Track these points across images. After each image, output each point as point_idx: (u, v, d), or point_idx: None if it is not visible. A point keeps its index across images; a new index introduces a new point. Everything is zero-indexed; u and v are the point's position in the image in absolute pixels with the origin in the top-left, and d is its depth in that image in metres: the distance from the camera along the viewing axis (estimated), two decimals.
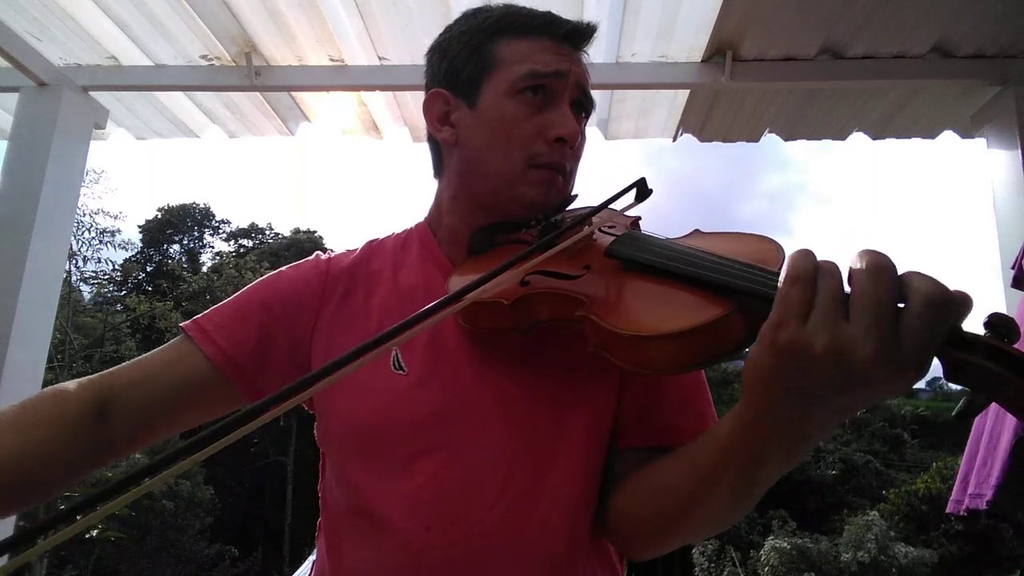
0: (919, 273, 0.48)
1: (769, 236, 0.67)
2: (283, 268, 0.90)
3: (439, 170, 0.92)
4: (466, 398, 0.77)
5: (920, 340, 0.46)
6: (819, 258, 0.52)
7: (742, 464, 0.59)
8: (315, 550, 0.86)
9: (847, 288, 0.49)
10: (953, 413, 0.48)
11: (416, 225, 0.95)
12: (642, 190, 0.80)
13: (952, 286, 0.48)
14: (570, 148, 0.82)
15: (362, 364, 0.51)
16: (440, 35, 0.90)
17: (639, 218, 0.81)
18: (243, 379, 0.80)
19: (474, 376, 0.79)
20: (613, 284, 0.69)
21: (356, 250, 0.92)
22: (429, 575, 0.71)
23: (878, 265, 0.48)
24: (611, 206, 0.81)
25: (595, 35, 0.87)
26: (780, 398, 0.52)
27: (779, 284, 0.51)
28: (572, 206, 0.88)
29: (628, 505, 0.75)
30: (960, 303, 0.47)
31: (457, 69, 0.85)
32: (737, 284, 0.58)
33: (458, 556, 0.71)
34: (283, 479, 19.23)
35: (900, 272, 0.49)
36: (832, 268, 0.51)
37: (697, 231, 0.76)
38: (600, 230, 0.79)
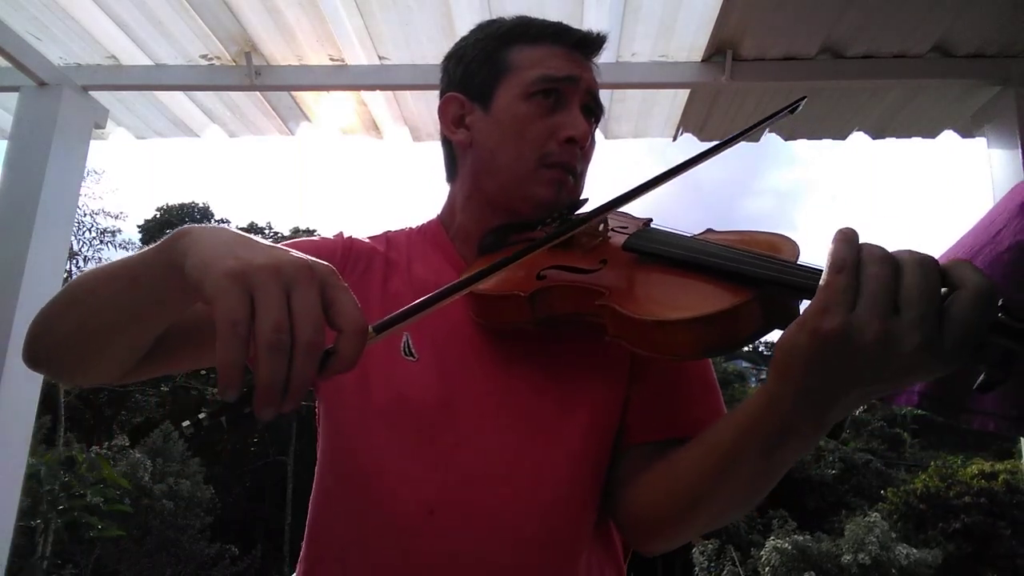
0: (965, 263, 0.49)
1: (781, 233, 0.68)
2: (307, 237, 0.92)
3: (452, 172, 0.95)
4: (473, 388, 0.79)
5: (966, 329, 0.47)
6: (863, 242, 0.52)
7: (763, 444, 0.60)
8: None
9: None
10: (975, 386, 0.50)
11: (429, 222, 0.98)
12: (795, 107, 0.86)
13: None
14: (580, 149, 0.86)
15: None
16: (456, 44, 0.95)
17: (650, 219, 0.83)
18: None
19: (482, 367, 0.81)
20: (632, 276, 0.71)
21: (375, 237, 0.95)
22: (430, 558, 0.73)
23: (924, 257, 0.50)
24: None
25: (605, 45, 0.91)
26: (813, 380, 0.53)
27: (823, 271, 0.52)
28: (582, 209, 0.89)
29: (648, 494, 0.76)
30: (998, 291, 0.48)
31: (472, 74, 0.89)
32: (757, 272, 0.60)
33: (459, 540, 0.73)
34: (283, 479, 19.23)
35: (943, 262, 0.50)
36: (880, 255, 0.51)
37: (710, 230, 0.77)
38: (613, 230, 0.81)
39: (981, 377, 0.50)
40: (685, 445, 0.73)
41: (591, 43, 0.89)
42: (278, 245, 0.53)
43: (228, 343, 0.45)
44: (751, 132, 0.81)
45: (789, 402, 0.56)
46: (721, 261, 0.63)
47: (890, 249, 0.52)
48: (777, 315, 0.61)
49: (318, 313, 0.47)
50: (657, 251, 0.71)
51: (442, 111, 0.92)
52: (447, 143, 0.95)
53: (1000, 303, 0.49)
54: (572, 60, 0.87)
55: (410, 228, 0.98)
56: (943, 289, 0.49)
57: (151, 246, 0.62)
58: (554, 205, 0.86)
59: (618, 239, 0.78)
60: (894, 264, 0.50)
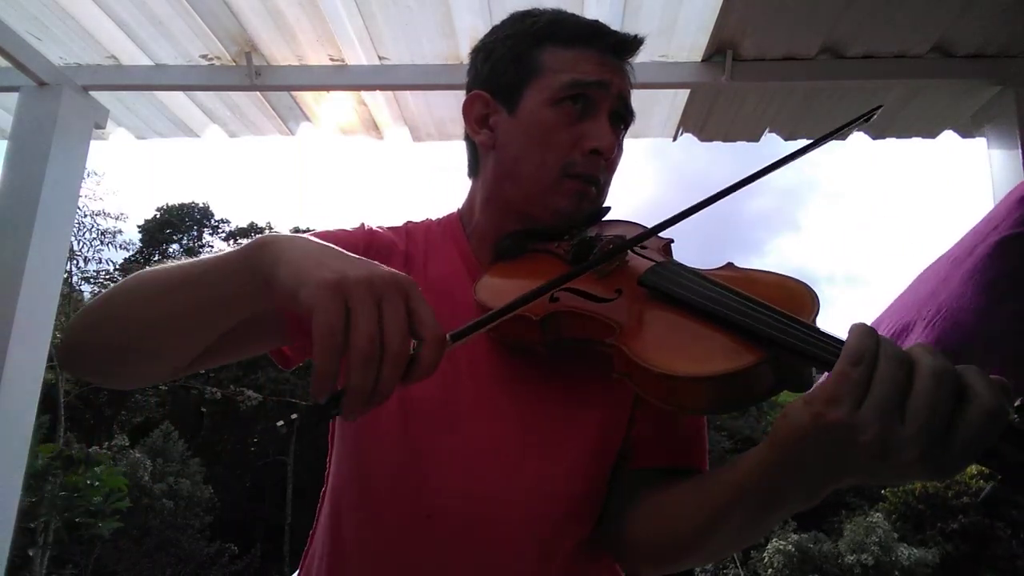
0: (978, 373, 0.48)
1: (804, 280, 0.66)
2: (332, 228, 0.91)
3: (474, 170, 0.93)
4: (479, 393, 0.79)
5: (969, 447, 0.46)
6: (881, 336, 0.51)
7: (756, 503, 0.60)
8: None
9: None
10: (980, 499, 0.48)
11: (448, 216, 0.96)
12: (870, 115, 0.85)
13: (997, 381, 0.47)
14: (605, 160, 0.83)
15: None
16: (485, 36, 0.91)
17: (671, 241, 0.81)
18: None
19: (489, 374, 0.80)
20: (645, 314, 0.68)
21: (395, 229, 0.93)
22: (427, 563, 0.73)
23: (943, 369, 0.47)
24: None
25: (641, 47, 0.88)
26: (808, 459, 0.52)
27: (840, 355, 0.50)
28: (606, 217, 0.88)
29: (642, 530, 0.75)
30: (1008, 406, 0.46)
31: (499, 73, 0.86)
32: (772, 335, 0.57)
33: (456, 547, 0.73)
34: (283, 479, 19.24)
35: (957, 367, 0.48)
36: (897, 355, 0.49)
37: (731, 264, 0.75)
38: (632, 251, 0.79)
39: (987, 490, 0.48)
40: (681, 487, 0.72)
41: (627, 46, 0.86)
42: (367, 258, 0.56)
43: (326, 352, 0.48)
44: (816, 144, 0.79)
45: (782, 472, 0.55)
46: (737, 316, 0.60)
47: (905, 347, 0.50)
48: (788, 377, 0.59)
49: (405, 325, 0.50)
50: (673, 293, 0.68)
51: (466, 109, 0.89)
52: (470, 140, 0.92)
53: (1017, 403, 0.47)
54: (604, 64, 0.83)
55: (430, 220, 0.96)
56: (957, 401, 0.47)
57: (222, 253, 0.62)
58: (574, 215, 0.84)
59: (636, 264, 0.75)
60: (909, 367, 0.48)
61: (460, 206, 0.96)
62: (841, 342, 0.53)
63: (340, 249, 0.57)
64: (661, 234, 0.79)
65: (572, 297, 0.73)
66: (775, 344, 0.57)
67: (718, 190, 0.70)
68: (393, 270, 0.54)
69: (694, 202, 0.70)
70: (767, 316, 0.59)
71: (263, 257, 0.57)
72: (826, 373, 0.54)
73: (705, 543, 0.68)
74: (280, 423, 0.51)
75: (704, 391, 0.58)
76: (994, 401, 0.46)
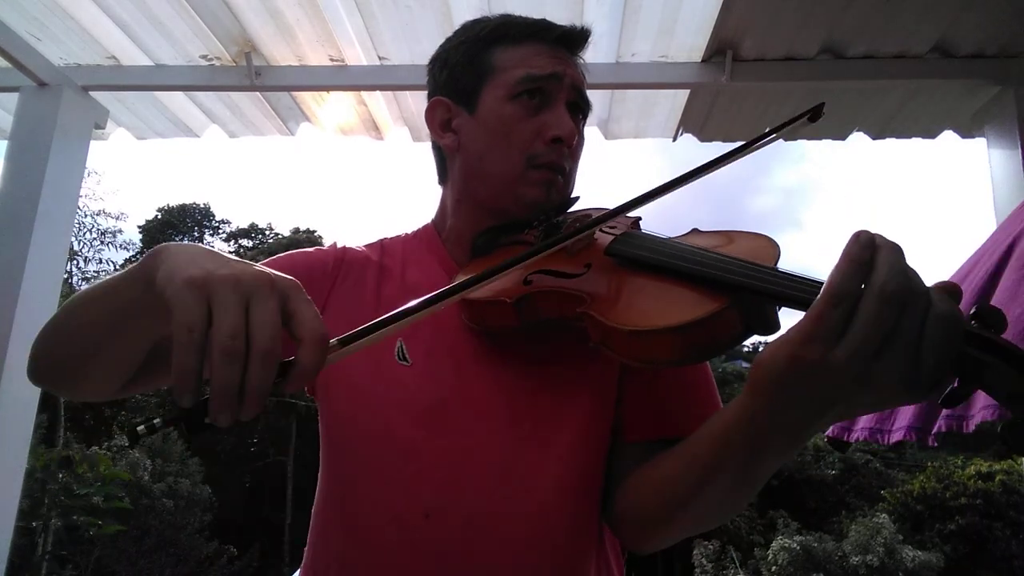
0: (937, 291, 0.48)
1: (766, 233, 0.68)
2: (303, 248, 0.92)
3: (443, 176, 0.95)
4: (467, 389, 0.79)
5: (938, 360, 0.46)
6: (879, 255, 0.48)
7: (741, 455, 0.60)
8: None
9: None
10: (939, 400, 0.49)
11: (423, 227, 0.98)
12: (816, 114, 0.84)
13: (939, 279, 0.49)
14: (568, 148, 0.85)
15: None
16: (440, 46, 0.94)
17: (639, 219, 0.82)
18: None
19: (476, 369, 0.80)
20: (613, 281, 0.71)
21: (370, 245, 0.96)
22: (427, 562, 0.72)
23: (951, 314, 0.46)
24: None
25: (589, 38, 0.90)
26: (787, 401, 0.53)
27: (804, 290, 0.51)
28: (573, 208, 0.89)
29: (635, 496, 0.76)
30: (960, 313, 0.47)
31: (456, 77, 0.89)
32: (733, 279, 0.59)
33: (457, 542, 0.73)
34: (283, 479, 19.23)
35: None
36: (889, 294, 0.46)
37: (695, 230, 0.77)
38: (601, 230, 0.80)
39: (948, 390, 0.48)
40: (671, 450, 0.73)
41: (574, 38, 0.89)
42: (252, 262, 0.53)
43: (183, 348, 0.46)
44: (766, 139, 0.81)
45: (764, 417, 0.56)
46: (698, 268, 0.62)
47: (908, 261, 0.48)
48: (755, 321, 0.60)
49: (275, 322, 0.47)
50: (637, 257, 0.70)
51: (429, 115, 0.92)
52: (436, 147, 0.95)
53: (973, 311, 0.48)
54: (555, 57, 0.86)
55: (405, 234, 0.98)
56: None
57: (134, 264, 0.62)
58: (544, 206, 0.85)
59: (603, 239, 0.77)
60: (900, 307, 0.46)
61: (433, 216, 0.98)
62: (802, 279, 0.55)
63: (229, 256, 0.54)
64: (631, 215, 0.81)
65: (543, 277, 0.75)
66: (736, 288, 0.59)
67: (681, 176, 0.73)
68: (277, 273, 0.50)
69: (686, 185, 0.73)
70: (727, 264, 0.61)
71: (153, 263, 0.55)
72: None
73: (695, 502, 0.68)
74: (141, 427, 0.47)
75: (674, 342, 0.60)
76: (950, 312, 0.46)
